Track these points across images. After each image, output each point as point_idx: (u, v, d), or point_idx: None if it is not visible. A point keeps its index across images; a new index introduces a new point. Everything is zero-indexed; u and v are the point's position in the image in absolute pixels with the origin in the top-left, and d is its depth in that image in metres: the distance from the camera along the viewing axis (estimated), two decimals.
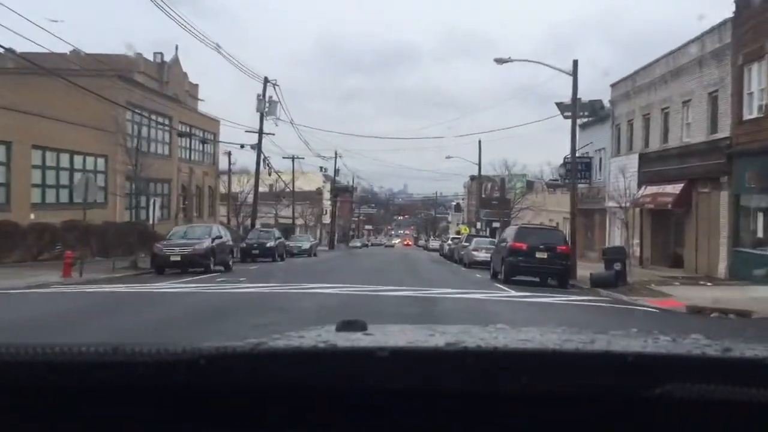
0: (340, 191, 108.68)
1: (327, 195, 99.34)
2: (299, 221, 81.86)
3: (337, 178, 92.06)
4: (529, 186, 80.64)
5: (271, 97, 45.09)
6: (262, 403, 1.27)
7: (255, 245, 38.97)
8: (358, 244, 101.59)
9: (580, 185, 46.78)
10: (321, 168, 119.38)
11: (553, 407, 1.26)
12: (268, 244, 39.09)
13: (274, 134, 45.06)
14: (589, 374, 1.26)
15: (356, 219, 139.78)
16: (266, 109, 44.76)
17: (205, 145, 55.03)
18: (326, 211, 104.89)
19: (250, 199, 69.63)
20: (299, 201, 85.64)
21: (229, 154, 61.18)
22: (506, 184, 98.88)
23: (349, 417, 1.27)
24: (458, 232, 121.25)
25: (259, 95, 44.82)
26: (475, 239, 39.34)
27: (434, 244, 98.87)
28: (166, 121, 45.38)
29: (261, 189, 71.35)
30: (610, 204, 41.27)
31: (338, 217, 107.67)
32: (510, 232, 25.77)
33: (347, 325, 1.57)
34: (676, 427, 1.25)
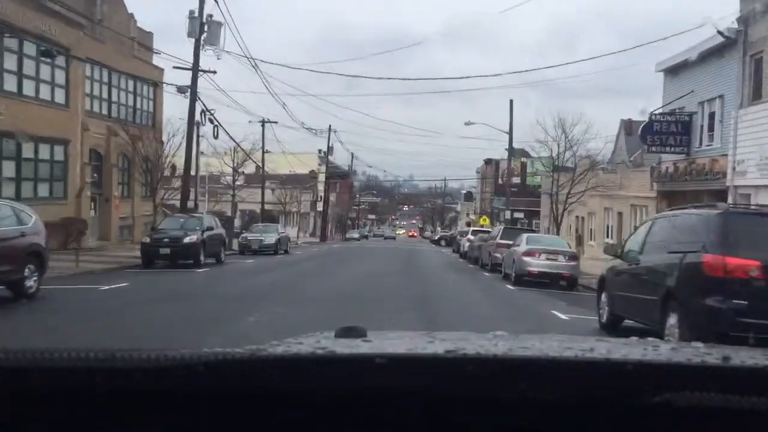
0: (338, 176, 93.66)
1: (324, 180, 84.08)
2: (282, 207, 66.28)
3: (331, 158, 76.34)
4: (556, 169, 66.12)
5: (211, 16, 29.31)
6: (260, 409, 1.23)
7: (164, 241, 23.37)
8: (356, 236, 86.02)
9: (670, 155, 31.09)
10: (320, 151, 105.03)
11: (553, 415, 1.22)
12: (186, 240, 23.43)
13: (215, 72, 29.90)
14: (589, 382, 1.23)
15: (357, 207, 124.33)
16: (204, 35, 29.00)
17: (138, 98, 39.35)
18: (321, 197, 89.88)
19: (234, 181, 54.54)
20: (289, 185, 70.33)
21: (196, 124, 45.33)
22: (528, 168, 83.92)
23: (348, 424, 1.24)
24: (468, 224, 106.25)
25: (192, 12, 29.08)
26: (526, 236, 23.51)
27: (443, 235, 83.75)
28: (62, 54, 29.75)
29: (246, 170, 56.54)
30: (742, 182, 25.62)
31: (335, 205, 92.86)
32: (702, 225, 9.20)
33: (346, 332, 1.53)
34: None
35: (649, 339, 1.63)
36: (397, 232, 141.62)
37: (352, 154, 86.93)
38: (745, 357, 1.34)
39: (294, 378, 1.22)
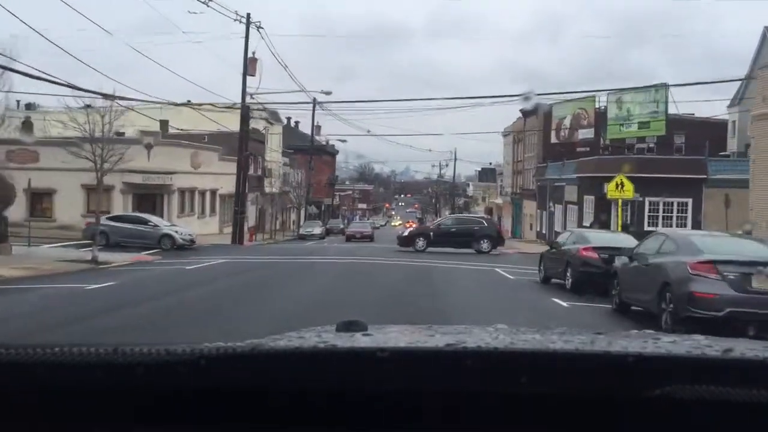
0: (311, 151, 59.24)
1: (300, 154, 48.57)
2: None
3: (302, 130, 40.53)
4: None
5: None
6: (262, 403, 1.20)
7: None
8: (316, 231, 50.20)
9: None
10: (287, 119, 70.53)
11: (553, 408, 1.19)
12: None
13: None
14: (589, 375, 1.20)
15: (338, 194, 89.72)
16: None
17: None
18: (279, 173, 55.26)
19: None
20: (207, 146, 35.28)
21: None
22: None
23: (349, 418, 1.20)
24: (491, 210, 71.10)
25: None
26: None
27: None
28: None
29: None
30: None
31: (307, 186, 58.36)
32: None
33: (347, 326, 1.51)
34: (676, 428, 1.18)
35: (649, 332, 1.58)
36: (393, 224, 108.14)
37: (315, 100, 50.99)
38: (745, 349, 1.29)
39: (295, 372, 1.19)
